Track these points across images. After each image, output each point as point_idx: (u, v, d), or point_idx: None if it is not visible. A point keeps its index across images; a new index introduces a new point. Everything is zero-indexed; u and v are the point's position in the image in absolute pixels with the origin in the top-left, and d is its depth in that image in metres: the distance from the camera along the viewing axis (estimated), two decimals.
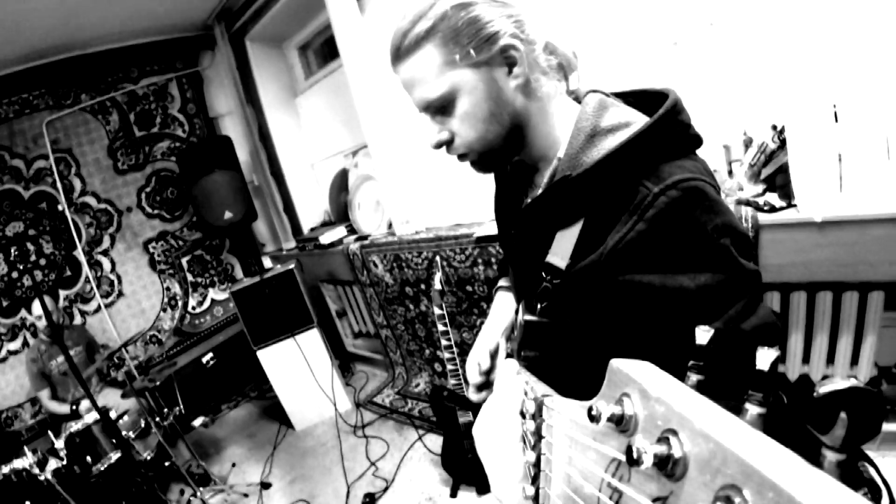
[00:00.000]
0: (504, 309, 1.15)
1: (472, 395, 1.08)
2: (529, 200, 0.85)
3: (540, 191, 0.85)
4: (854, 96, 1.54)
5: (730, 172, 2.07)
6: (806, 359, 2.00)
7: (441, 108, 0.80)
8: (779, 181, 1.83)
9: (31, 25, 3.08)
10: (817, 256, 1.70)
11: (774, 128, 1.83)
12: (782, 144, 1.77)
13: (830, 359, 1.95)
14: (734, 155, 2.08)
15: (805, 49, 1.56)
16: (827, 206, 1.62)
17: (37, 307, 3.17)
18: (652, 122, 0.71)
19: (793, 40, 1.58)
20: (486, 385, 1.06)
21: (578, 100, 0.86)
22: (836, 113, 1.58)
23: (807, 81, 1.57)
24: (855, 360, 1.91)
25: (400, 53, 0.79)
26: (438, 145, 0.85)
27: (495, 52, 0.74)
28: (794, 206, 1.73)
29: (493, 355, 1.07)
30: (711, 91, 2.05)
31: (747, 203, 1.84)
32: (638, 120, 0.76)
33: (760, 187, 1.89)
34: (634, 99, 0.84)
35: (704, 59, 2.05)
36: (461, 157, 0.86)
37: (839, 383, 0.34)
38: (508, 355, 1.07)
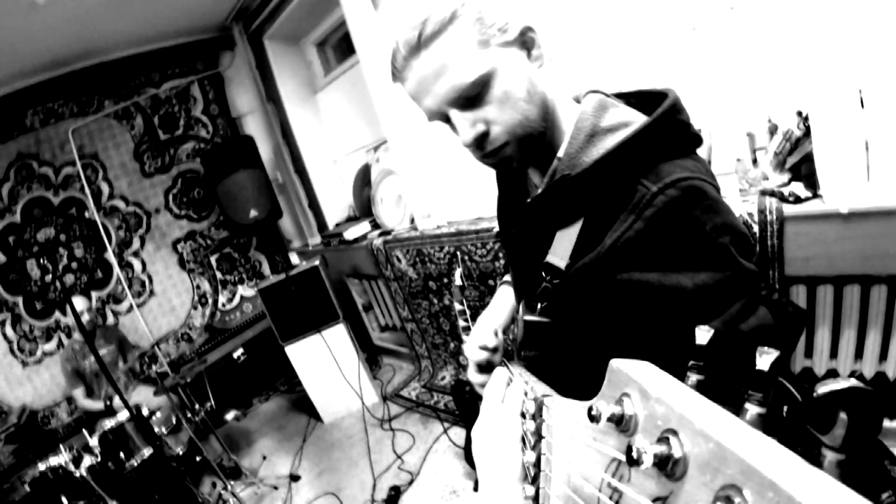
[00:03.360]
0: (505, 299, 1.16)
1: (473, 377, 1.06)
2: (529, 200, 0.85)
3: (540, 190, 0.84)
4: (881, 81, 1.48)
5: (754, 161, 2.02)
6: (834, 354, 1.95)
7: (472, 97, 0.72)
8: (804, 170, 1.78)
9: (51, 35, 3.15)
10: (844, 249, 1.65)
11: (800, 114, 1.77)
12: (808, 132, 1.72)
13: (859, 354, 1.90)
14: (759, 143, 2.03)
15: (829, 32, 1.50)
16: (853, 196, 1.56)
17: (76, 304, 3.26)
18: (651, 121, 0.70)
19: (816, 23, 1.52)
20: (489, 367, 1.02)
21: (576, 100, 0.85)
22: (861, 98, 1.52)
23: (831, 66, 1.52)
24: (884, 356, 1.85)
25: (421, 42, 0.70)
26: (476, 139, 0.75)
27: (518, 33, 0.73)
28: (820, 196, 1.68)
29: (496, 335, 1.05)
30: (733, 77, 2.00)
31: (772, 194, 1.80)
32: (637, 120, 0.76)
33: (786, 176, 1.84)
34: (636, 100, 0.83)
35: (725, 44, 1.99)
36: (496, 151, 0.77)
37: (839, 383, 0.34)
38: (507, 354, 1.07)
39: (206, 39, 4.25)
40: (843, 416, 0.33)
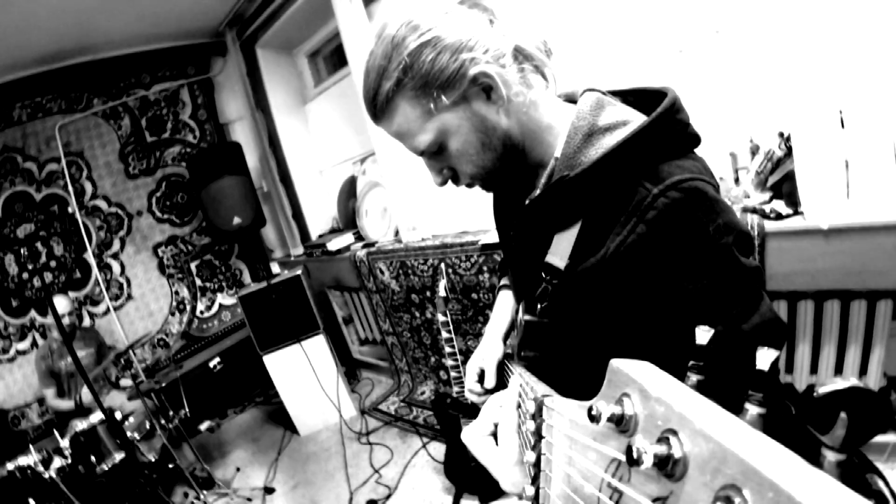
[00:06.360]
0: (505, 306, 1.16)
1: (473, 398, 1.10)
2: (528, 202, 0.85)
3: (538, 191, 0.84)
4: (860, 101, 1.53)
5: (736, 180, 2.07)
6: (814, 369, 1.98)
7: (435, 151, 0.80)
8: (785, 189, 1.82)
9: (43, 29, 3.11)
10: (824, 265, 1.69)
11: (781, 135, 1.82)
12: (789, 152, 1.76)
13: (839, 369, 1.93)
14: (741, 162, 2.07)
15: (811, 55, 1.56)
16: (834, 213, 1.60)
17: (58, 305, 3.18)
18: (651, 121, 0.70)
19: (799, 47, 1.58)
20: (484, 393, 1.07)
21: (573, 100, 0.85)
22: (842, 119, 1.57)
23: (812, 87, 1.57)
24: (864, 370, 1.89)
25: (377, 114, 0.79)
26: (443, 184, 0.86)
27: (468, 84, 0.72)
28: (801, 213, 1.72)
29: (499, 367, 1.07)
30: (717, 98, 2.05)
31: (753, 210, 1.84)
32: (636, 118, 0.75)
33: (767, 195, 1.88)
34: (633, 98, 0.83)
35: (710, 66, 2.05)
36: (468, 185, 0.87)
37: (839, 383, 0.34)
38: (508, 355, 1.07)
39: (198, 44, 4.22)
40: (843, 416, 0.33)
